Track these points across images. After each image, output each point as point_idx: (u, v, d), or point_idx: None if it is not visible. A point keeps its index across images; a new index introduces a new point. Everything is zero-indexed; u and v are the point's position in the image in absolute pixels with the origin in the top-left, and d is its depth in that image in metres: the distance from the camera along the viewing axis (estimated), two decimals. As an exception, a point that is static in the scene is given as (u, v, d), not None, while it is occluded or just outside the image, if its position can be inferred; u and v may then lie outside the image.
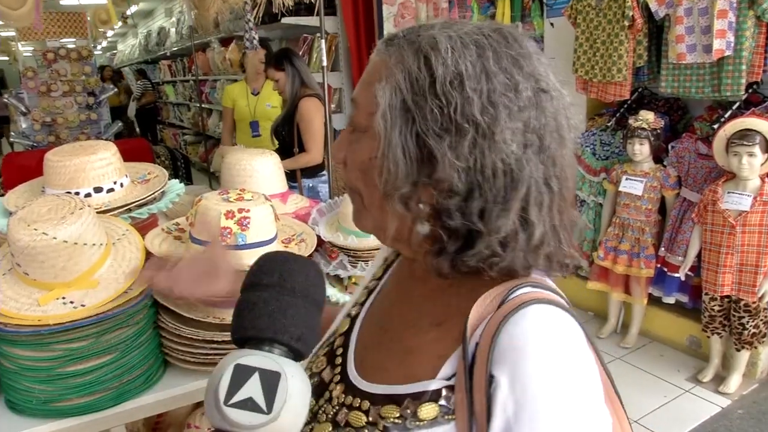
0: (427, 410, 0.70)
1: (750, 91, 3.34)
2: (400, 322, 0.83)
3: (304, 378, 0.64)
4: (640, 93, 3.98)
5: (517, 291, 0.71)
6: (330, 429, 0.78)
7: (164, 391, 1.48)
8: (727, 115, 3.38)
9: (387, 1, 5.23)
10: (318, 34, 4.64)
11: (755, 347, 3.31)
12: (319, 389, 0.83)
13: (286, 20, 5.36)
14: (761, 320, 3.22)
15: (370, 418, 0.74)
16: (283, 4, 3.64)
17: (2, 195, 2.37)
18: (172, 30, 10.71)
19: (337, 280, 1.87)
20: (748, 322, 3.22)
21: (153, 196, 1.73)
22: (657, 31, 3.66)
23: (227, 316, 1.51)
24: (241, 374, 0.61)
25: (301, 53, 5.63)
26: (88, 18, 5.97)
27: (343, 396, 0.80)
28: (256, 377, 0.61)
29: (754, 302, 3.18)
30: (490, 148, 0.68)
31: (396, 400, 0.73)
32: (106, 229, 1.49)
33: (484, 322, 0.70)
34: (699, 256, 3.42)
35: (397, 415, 0.72)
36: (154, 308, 1.51)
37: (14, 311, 1.32)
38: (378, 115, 0.71)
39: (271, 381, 0.60)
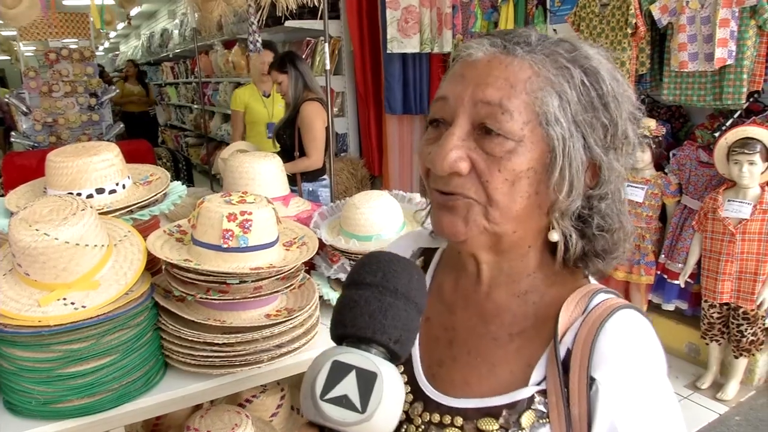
0: (527, 417, 0.73)
1: (751, 100, 3.35)
2: (472, 335, 0.83)
3: (400, 381, 0.64)
4: (642, 100, 3.95)
5: (596, 297, 0.77)
6: None
7: (164, 393, 1.47)
8: (728, 124, 3.39)
9: (391, 6, 5.23)
10: (321, 38, 4.65)
11: (753, 354, 3.32)
12: None
13: (289, 23, 5.38)
14: (759, 328, 3.23)
15: None
16: (287, 7, 3.65)
17: (2, 195, 2.37)
18: (175, 32, 10.73)
19: (338, 283, 1.87)
20: (746, 329, 3.22)
21: (155, 197, 1.72)
22: (660, 38, 3.67)
23: (228, 318, 1.52)
24: (339, 371, 0.62)
25: (303, 57, 5.63)
26: (91, 18, 5.97)
27: (428, 414, 0.80)
28: (352, 375, 0.61)
29: (752, 310, 3.18)
30: (629, 156, 0.78)
31: (491, 412, 0.75)
32: (108, 230, 1.49)
33: (573, 326, 0.75)
34: (699, 263, 3.42)
35: (497, 426, 0.74)
36: (155, 310, 1.51)
37: (14, 312, 1.31)
38: (555, 129, 0.71)
39: (367, 381, 0.61)
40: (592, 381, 0.71)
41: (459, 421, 0.77)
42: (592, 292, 0.77)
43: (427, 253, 0.96)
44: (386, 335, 0.65)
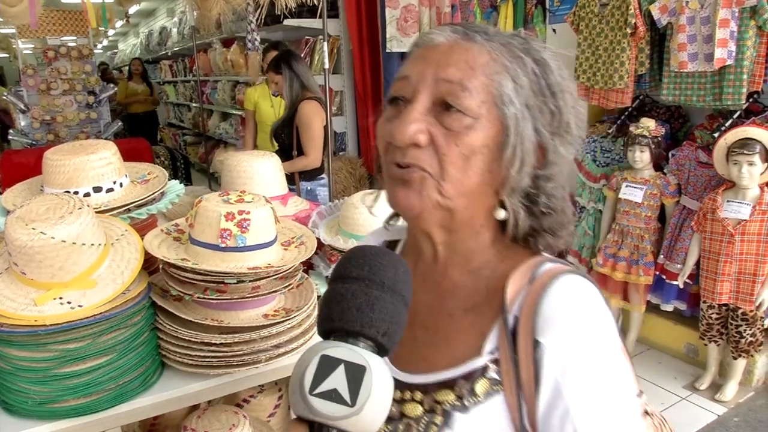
0: (481, 385, 0.77)
1: (750, 100, 3.34)
2: (430, 313, 0.87)
3: (389, 374, 0.64)
4: (641, 100, 3.98)
5: (543, 267, 0.80)
6: (384, 426, 0.80)
7: (161, 393, 1.46)
8: (727, 124, 3.38)
9: (390, 5, 5.22)
10: (320, 37, 4.65)
11: (752, 355, 3.32)
12: None
13: (288, 22, 5.36)
14: (758, 329, 3.22)
15: (427, 406, 0.80)
16: (286, 5, 3.64)
17: (0, 193, 2.36)
18: (174, 30, 10.70)
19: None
20: (745, 330, 3.22)
21: (152, 196, 1.71)
22: (659, 38, 3.66)
23: (225, 318, 1.51)
24: (327, 365, 0.62)
25: (302, 55, 5.62)
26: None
27: None
28: (341, 369, 0.61)
29: (751, 311, 3.18)
30: (571, 145, 0.83)
31: (448, 384, 0.79)
32: (105, 229, 1.48)
33: (520, 296, 0.78)
34: (698, 264, 3.42)
35: (453, 396, 0.78)
36: (152, 309, 1.50)
37: (10, 311, 1.30)
38: (509, 109, 0.77)
39: (356, 374, 0.61)
40: (537, 344, 0.74)
41: (418, 395, 0.81)
42: (539, 263, 0.81)
43: (390, 246, 1.00)
44: (374, 328, 0.65)
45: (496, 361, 0.77)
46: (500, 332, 0.77)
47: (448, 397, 0.78)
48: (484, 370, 0.77)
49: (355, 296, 0.66)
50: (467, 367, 0.78)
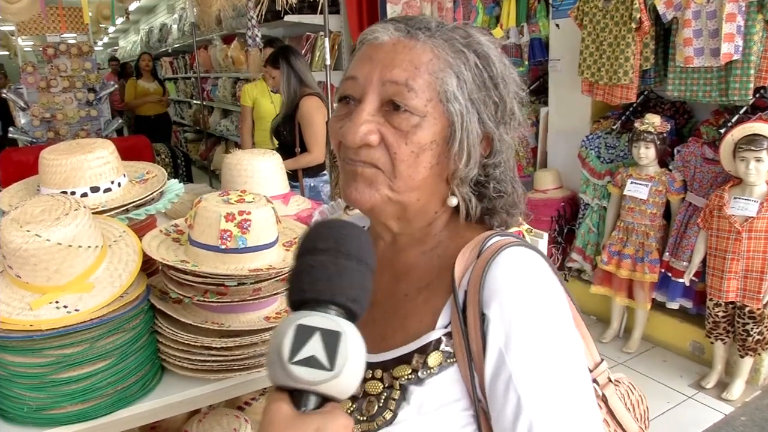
0: (434, 358, 0.80)
1: (757, 95, 3.30)
2: (388, 295, 0.90)
3: (360, 338, 0.67)
4: (646, 96, 3.94)
5: (490, 241, 0.83)
6: (349, 404, 0.84)
7: (161, 398, 1.43)
8: (734, 120, 3.35)
9: (391, 1, 5.18)
10: (321, 33, 4.61)
11: (759, 354, 3.29)
12: None
13: (288, 18, 5.33)
14: (765, 327, 3.19)
15: (386, 383, 0.83)
16: (286, 1, 3.60)
17: (-1, 191, 2.33)
18: (174, 26, 10.66)
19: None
20: (752, 328, 3.19)
21: (151, 196, 1.68)
22: (664, 33, 3.63)
23: (226, 321, 1.48)
24: (303, 334, 0.64)
25: (303, 51, 5.59)
26: (90, 14, 5.91)
27: None
28: (317, 337, 0.64)
29: (758, 309, 3.15)
30: (515, 130, 0.87)
31: (405, 359, 0.83)
32: (103, 230, 1.44)
33: (468, 271, 0.81)
34: (704, 261, 3.39)
35: (410, 371, 0.81)
36: (151, 313, 1.46)
37: (5, 315, 1.27)
38: (454, 106, 0.80)
39: (332, 340, 0.64)
40: (483, 317, 0.77)
41: (379, 373, 0.84)
42: (487, 238, 0.84)
43: None
44: (344, 296, 0.68)
45: (448, 335, 0.80)
46: (451, 306, 0.81)
47: (405, 371, 0.81)
48: (437, 343, 0.81)
49: (325, 267, 0.69)
50: (421, 341, 0.82)
